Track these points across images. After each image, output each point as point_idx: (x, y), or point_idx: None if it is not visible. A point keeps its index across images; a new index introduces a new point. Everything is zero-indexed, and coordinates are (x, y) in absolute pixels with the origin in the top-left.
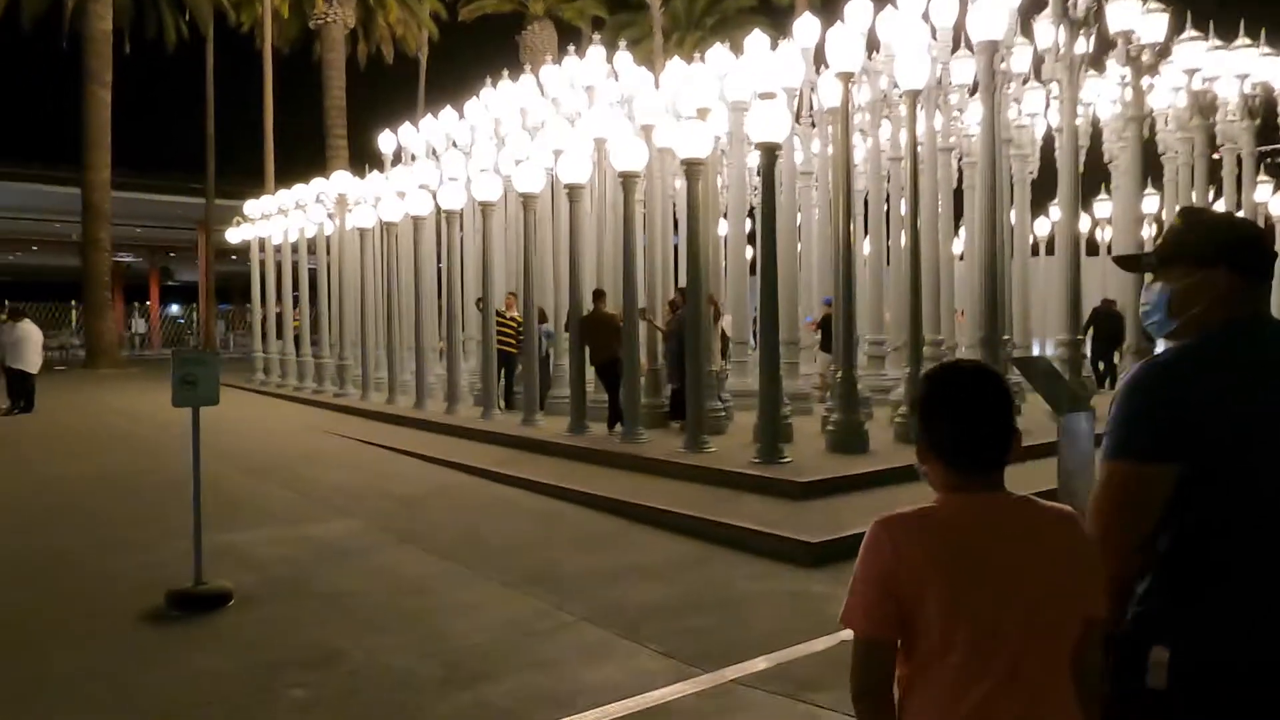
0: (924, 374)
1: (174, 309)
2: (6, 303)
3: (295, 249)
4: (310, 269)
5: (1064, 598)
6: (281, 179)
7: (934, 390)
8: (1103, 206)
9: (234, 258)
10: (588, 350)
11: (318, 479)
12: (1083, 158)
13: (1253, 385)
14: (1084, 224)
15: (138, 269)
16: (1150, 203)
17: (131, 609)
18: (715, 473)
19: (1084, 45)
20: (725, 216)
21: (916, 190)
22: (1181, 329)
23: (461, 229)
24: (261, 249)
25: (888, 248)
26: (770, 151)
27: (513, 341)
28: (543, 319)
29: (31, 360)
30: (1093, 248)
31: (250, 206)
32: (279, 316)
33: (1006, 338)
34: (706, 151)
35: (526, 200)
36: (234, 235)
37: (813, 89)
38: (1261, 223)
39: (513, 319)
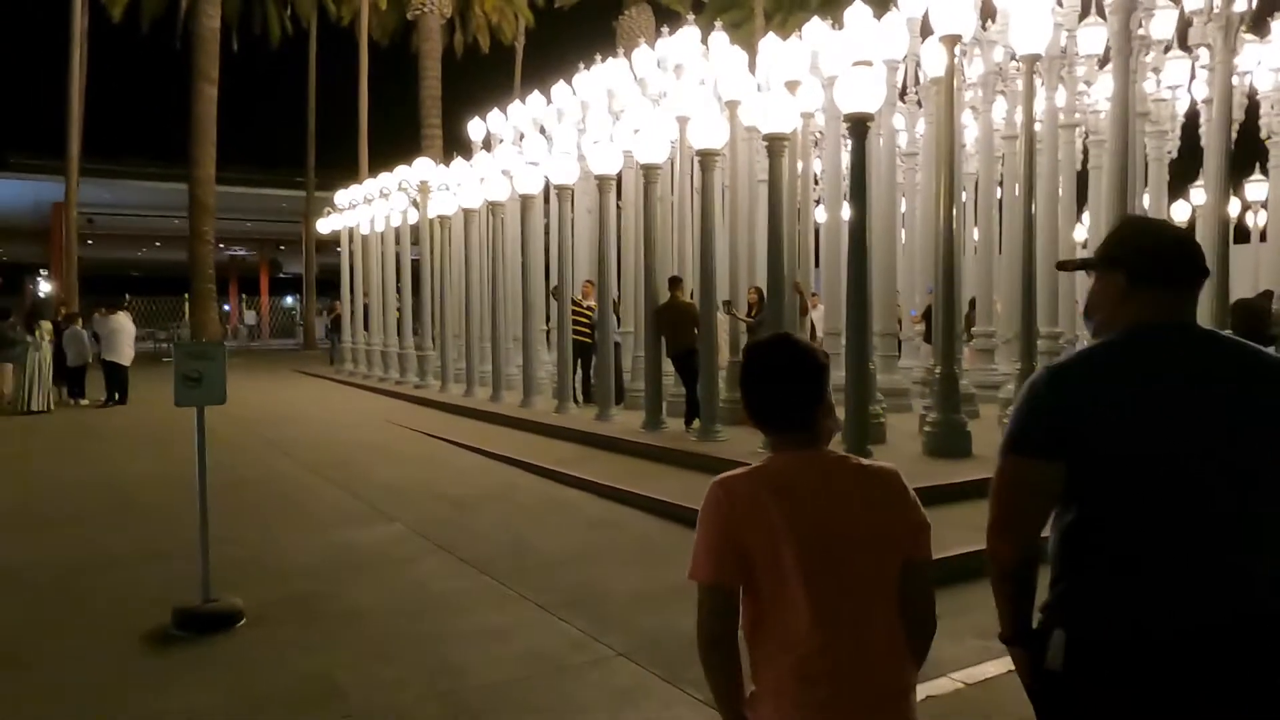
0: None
1: (289, 300)
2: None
3: (389, 239)
4: (411, 259)
5: (881, 540)
6: (376, 169)
7: (748, 361)
8: (1256, 188)
9: (338, 249)
10: (664, 342)
11: (373, 477)
12: (1234, 135)
13: (1139, 392)
14: (1233, 208)
15: (250, 262)
16: None
17: (138, 627)
18: None
19: (1243, 2)
20: (819, 203)
21: (1032, 169)
22: (1096, 330)
23: (546, 217)
24: (351, 240)
25: (1001, 234)
26: (861, 124)
27: (589, 331)
28: (615, 309)
29: (124, 352)
30: (1242, 234)
31: (340, 196)
32: (369, 307)
33: None
34: (790, 126)
35: (602, 183)
36: (324, 225)
37: (918, 65)
38: None
39: (589, 308)
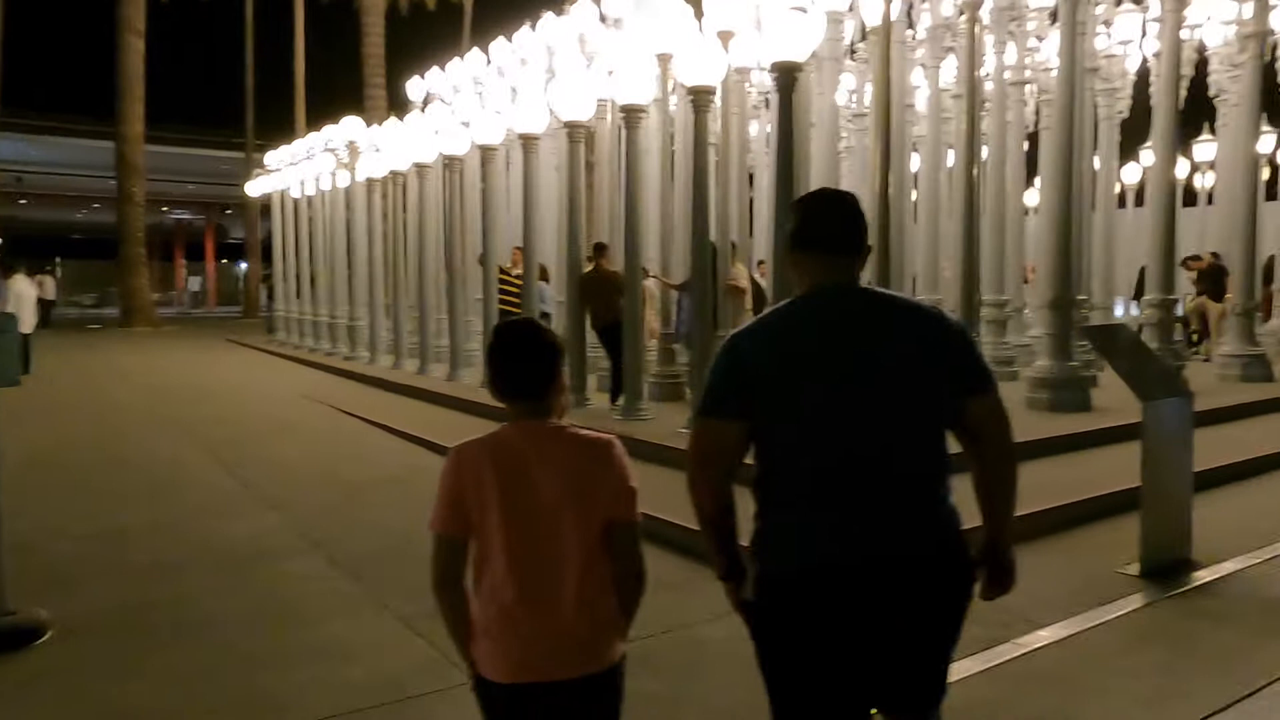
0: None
1: (244, 266)
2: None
3: (327, 202)
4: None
5: (584, 502)
6: (316, 130)
7: (491, 340)
8: (1204, 148)
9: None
10: (589, 314)
11: (271, 459)
12: (1183, 93)
13: (792, 350)
14: (1181, 169)
15: (196, 226)
16: (1266, 142)
17: None
18: None
19: None
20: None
21: (974, 129)
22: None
23: (481, 181)
24: (283, 203)
25: (950, 199)
26: (788, 74)
27: (518, 302)
28: (544, 276)
29: (24, 319)
30: (1190, 197)
31: (270, 157)
32: (313, 275)
33: (1083, 298)
34: (715, 79)
35: (526, 142)
36: (253, 188)
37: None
38: None
39: (518, 277)
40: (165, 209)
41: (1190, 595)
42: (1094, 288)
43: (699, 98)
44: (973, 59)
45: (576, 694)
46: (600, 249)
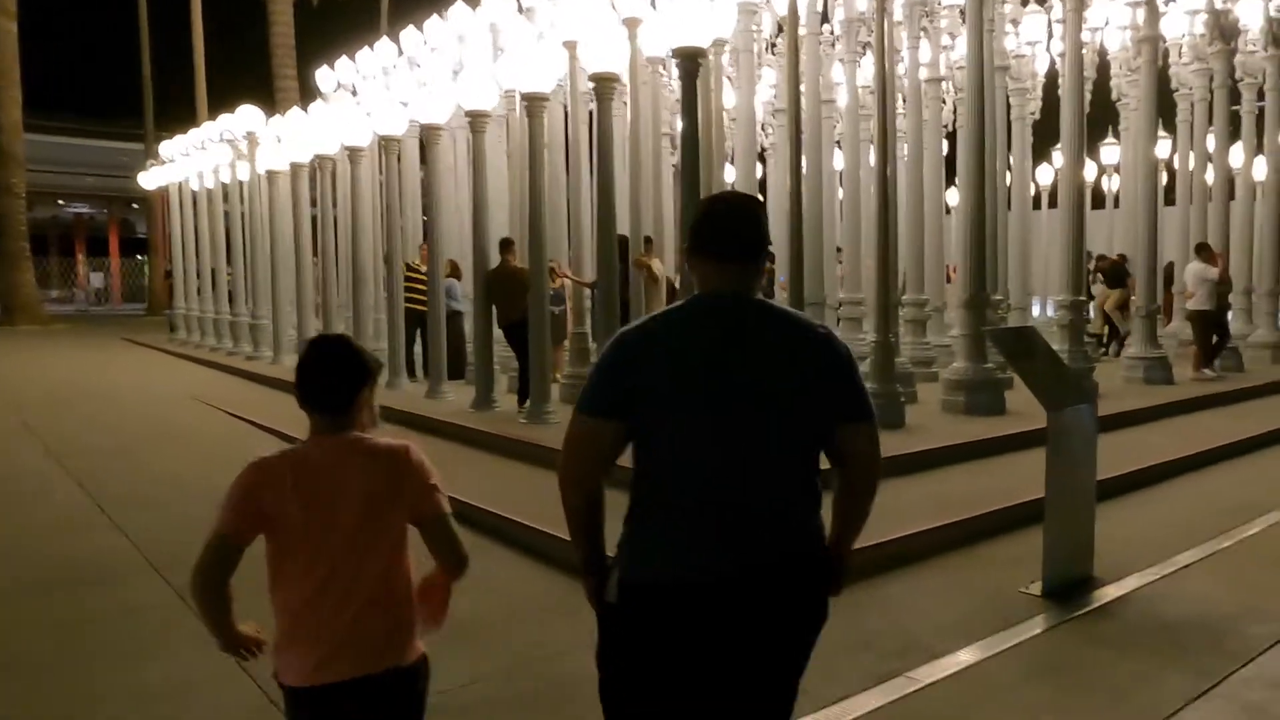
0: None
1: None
2: None
3: (235, 195)
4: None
5: (387, 504)
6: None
7: (302, 352)
8: (1111, 151)
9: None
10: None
11: (140, 468)
12: (1089, 96)
13: (675, 356)
14: (1090, 172)
15: (99, 220)
16: (1163, 147)
17: None
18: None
19: None
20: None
21: (885, 127)
22: None
23: (380, 173)
24: (181, 196)
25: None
26: (691, 60)
27: (424, 299)
28: (455, 273)
29: None
30: (1099, 199)
31: (166, 148)
32: (215, 272)
33: (999, 298)
34: (618, 65)
35: (427, 133)
36: (147, 180)
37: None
38: None
39: (425, 273)
40: (62, 203)
41: (1092, 618)
42: (1011, 288)
43: (602, 85)
44: (884, 55)
45: (379, 690)
46: (506, 244)
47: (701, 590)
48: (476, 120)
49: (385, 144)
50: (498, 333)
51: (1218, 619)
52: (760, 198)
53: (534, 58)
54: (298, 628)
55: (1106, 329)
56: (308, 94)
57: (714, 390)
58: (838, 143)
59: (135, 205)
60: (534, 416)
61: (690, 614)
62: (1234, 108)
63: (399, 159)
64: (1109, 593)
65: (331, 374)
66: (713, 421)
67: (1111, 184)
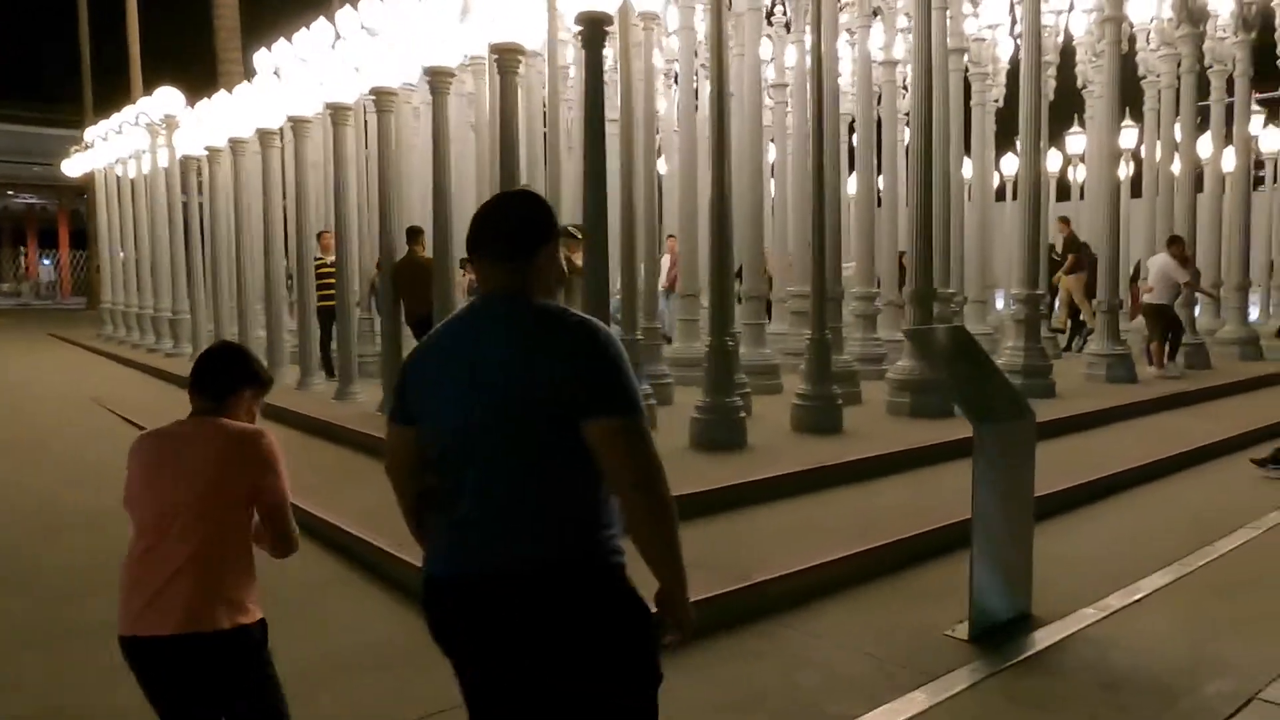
0: None
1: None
2: None
3: (174, 183)
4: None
5: (227, 485)
6: None
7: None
8: (1077, 140)
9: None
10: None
11: None
12: (1053, 83)
13: (433, 360)
14: (1056, 162)
15: (50, 211)
16: (1129, 136)
17: None
18: None
19: None
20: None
21: (821, 110)
22: None
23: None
24: (107, 183)
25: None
26: (596, 27)
27: (333, 293)
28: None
29: None
30: (1065, 190)
31: (89, 133)
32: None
33: (951, 291)
34: (520, 36)
35: (336, 113)
36: (71, 166)
37: None
38: (1252, 159)
39: (333, 264)
40: (11, 193)
41: (1024, 670)
42: (970, 281)
43: (505, 58)
44: (819, 28)
45: (183, 651)
46: (414, 233)
47: (446, 587)
48: (381, 99)
49: (297, 125)
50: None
51: (1170, 672)
52: (538, 193)
53: (435, 34)
54: (125, 582)
55: (1070, 323)
56: (253, 77)
57: (455, 393)
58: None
59: (85, 195)
60: None
61: (450, 610)
62: (1202, 103)
63: (305, 144)
64: (1047, 636)
65: (214, 366)
66: (456, 423)
67: (1078, 174)
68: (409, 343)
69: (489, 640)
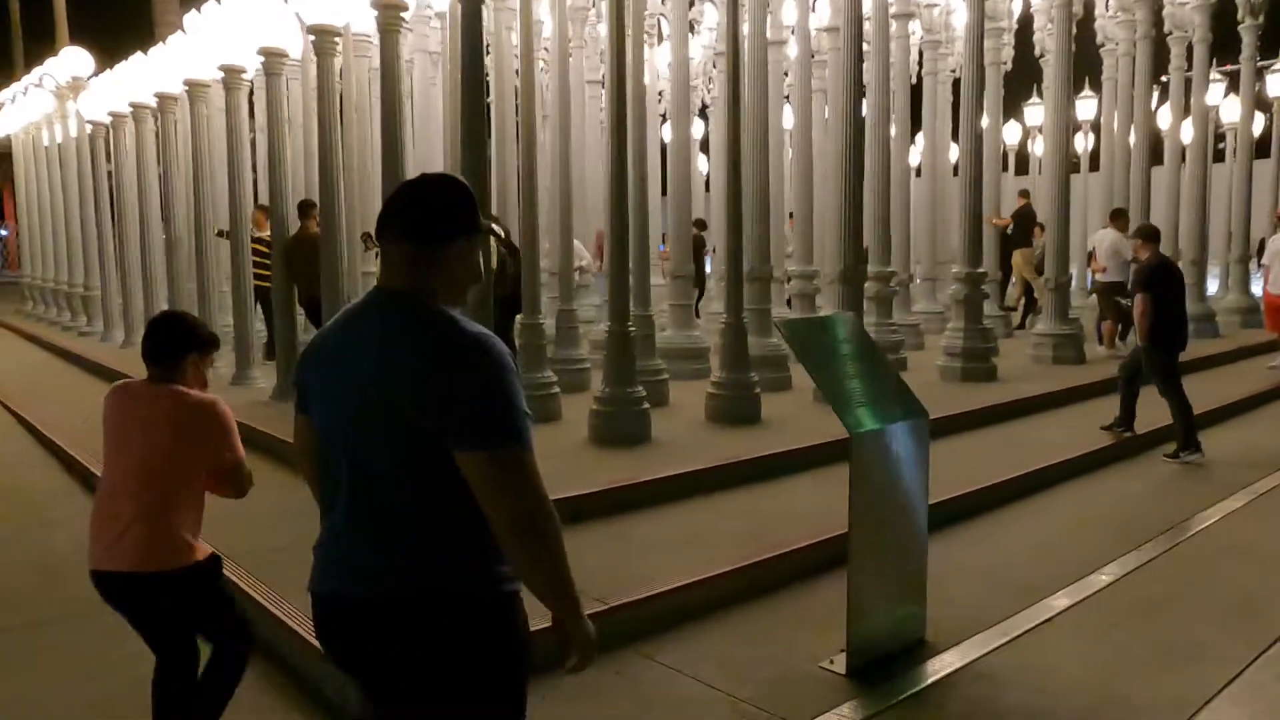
0: None
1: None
2: None
3: (86, 151)
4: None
5: (181, 453)
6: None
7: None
8: (1035, 112)
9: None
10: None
11: None
12: (1010, 52)
13: (317, 357)
14: (1014, 134)
15: None
16: (1086, 107)
17: None
18: None
19: None
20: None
21: (737, 76)
22: None
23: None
24: (24, 150)
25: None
26: None
27: (268, 273)
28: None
29: None
30: (1024, 164)
31: (2, 94)
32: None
33: (891, 270)
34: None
35: (268, 60)
36: None
37: None
38: (1211, 130)
39: (267, 242)
40: None
41: (903, 712)
42: (920, 260)
43: (321, 40)
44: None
45: (142, 585)
46: (305, 207)
47: (318, 602)
48: (270, 62)
49: (194, 90)
50: None
51: (1072, 713)
52: (465, 182)
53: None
54: (92, 524)
55: (1022, 301)
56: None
57: (330, 397)
58: (787, 96)
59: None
60: None
61: (327, 628)
62: (1163, 78)
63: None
64: (937, 667)
65: (161, 334)
66: (330, 428)
67: (1036, 147)
68: None
69: (358, 658)
